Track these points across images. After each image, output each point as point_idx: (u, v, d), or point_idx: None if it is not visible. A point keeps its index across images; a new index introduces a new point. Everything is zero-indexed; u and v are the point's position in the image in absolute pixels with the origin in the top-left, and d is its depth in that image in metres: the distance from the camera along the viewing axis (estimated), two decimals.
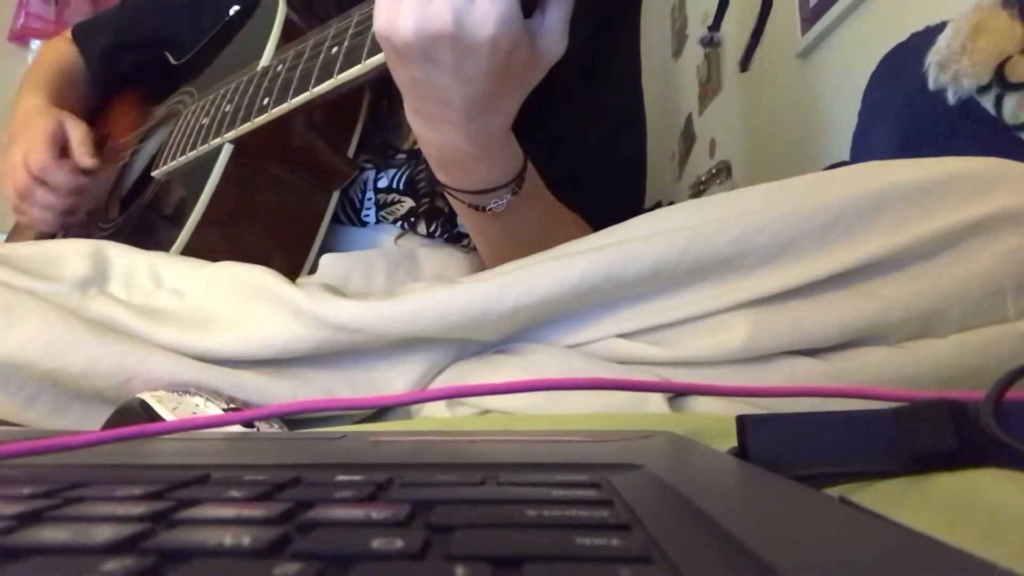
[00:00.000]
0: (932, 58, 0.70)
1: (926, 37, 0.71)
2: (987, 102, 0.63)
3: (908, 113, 0.74)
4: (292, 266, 0.66)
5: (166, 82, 0.86)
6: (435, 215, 0.69)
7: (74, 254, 0.51)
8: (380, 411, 0.47)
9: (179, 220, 0.64)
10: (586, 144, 0.70)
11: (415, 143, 0.70)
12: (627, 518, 0.14)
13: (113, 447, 0.25)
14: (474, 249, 0.70)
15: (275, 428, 0.42)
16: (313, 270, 0.66)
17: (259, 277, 0.48)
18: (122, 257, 0.52)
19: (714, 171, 1.45)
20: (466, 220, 0.59)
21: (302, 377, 0.46)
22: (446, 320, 0.43)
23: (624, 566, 0.11)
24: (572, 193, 0.63)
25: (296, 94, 0.59)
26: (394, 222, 0.70)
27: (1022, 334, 0.40)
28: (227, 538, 0.12)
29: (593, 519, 0.14)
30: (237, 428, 0.38)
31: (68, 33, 0.98)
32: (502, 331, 0.45)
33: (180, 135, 0.71)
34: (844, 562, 0.12)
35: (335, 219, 0.70)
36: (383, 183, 0.69)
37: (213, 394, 0.44)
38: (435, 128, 0.49)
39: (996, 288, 0.40)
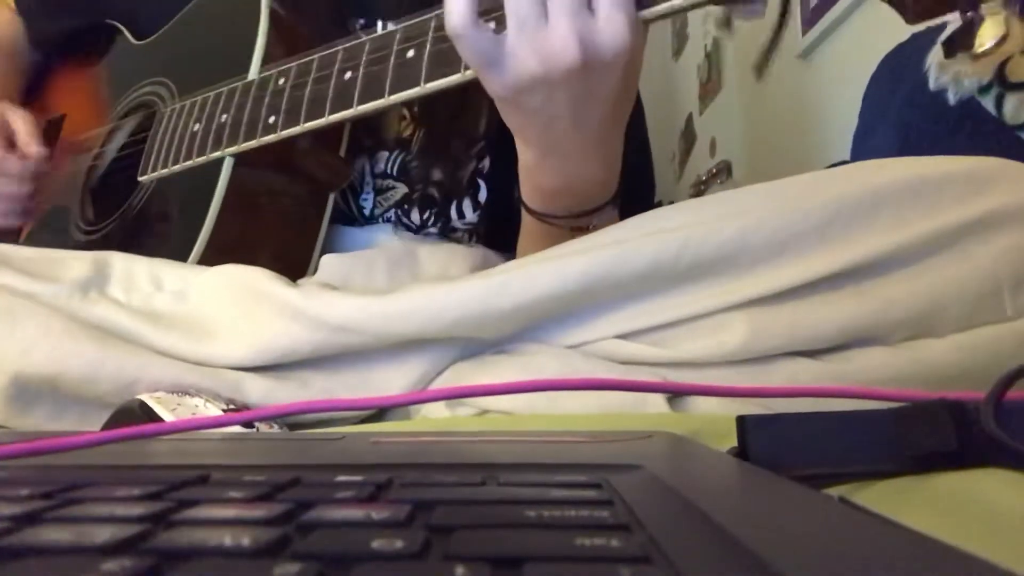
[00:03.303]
0: (932, 58, 0.70)
1: (926, 37, 0.71)
2: (988, 102, 0.63)
3: (909, 113, 0.74)
4: (296, 270, 0.66)
5: (128, 62, 0.83)
6: (428, 204, 0.68)
7: (75, 259, 0.51)
8: (380, 412, 0.47)
9: (186, 234, 0.63)
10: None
11: (400, 132, 0.69)
12: (627, 518, 0.14)
13: (113, 447, 0.25)
14: (472, 243, 0.70)
15: (275, 429, 0.42)
16: (314, 272, 0.66)
17: (258, 280, 0.48)
18: (122, 260, 0.52)
19: (714, 171, 1.45)
20: (543, 243, 0.56)
21: (301, 379, 0.46)
22: (444, 317, 0.43)
23: (624, 566, 0.11)
24: None
25: (310, 118, 0.58)
26: (388, 208, 0.69)
27: (1021, 333, 0.40)
28: (227, 538, 0.12)
29: (593, 519, 0.14)
30: (237, 429, 0.38)
31: (10, 1, 0.90)
32: (501, 330, 0.45)
33: (168, 139, 0.69)
34: (844, 562, 0.12)
35: (336, 209, 0.69)
36: (379, 168, 0.69)
37: (213, 395, 0.44)
38: (567, 164, 0.47)
39: (994, 287, 0.40)
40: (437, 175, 0.64)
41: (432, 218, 0.69)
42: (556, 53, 0.40)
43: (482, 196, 0.68)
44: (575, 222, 0.52)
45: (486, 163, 0.68)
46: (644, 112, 0.75)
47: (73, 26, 0.88)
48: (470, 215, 0.69)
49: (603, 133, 0.45)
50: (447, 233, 0.70)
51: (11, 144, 0.77)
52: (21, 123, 0.77)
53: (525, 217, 0.55)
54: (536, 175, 0.50)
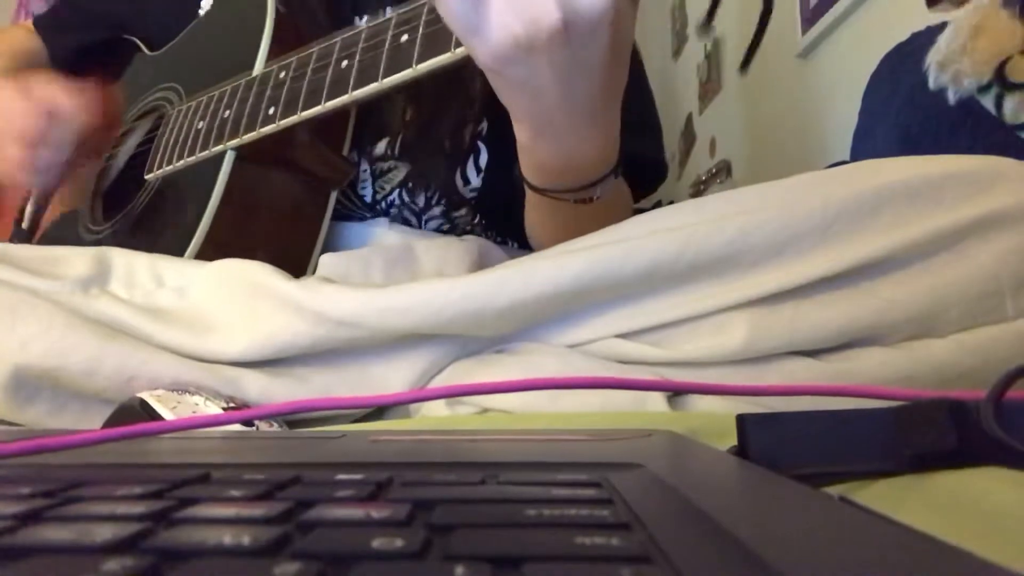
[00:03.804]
0: (932, 58, 0.69)
1: (926, 37, 0.71)
2: (987, 102, 0.63)
3: (908, 113, 0.74)
4: (295, 268, 0.66)
5: (142, 73, 0.84)
6: (432, 178, 0.68)
7: (76, 256, 0.52)
8: (379, 410, 0.47)
9: (185, 228, 0.63)
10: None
11: (403, 115, 0.69)
12: (627, 517, 0.14)
13: (113, 446, 0.25)
14: (471, 232, 0.70)
15: (275, 427, 0.42)
16: (314, 270, 0.66)
17: (259, 274, 0.48)
18: (123, 257, 0.52)
19: (714, 171, 1.45)
20: (551, 217, 0.55)
21: (301, 377, 0.46)
22: (444, 313, 0.43)
23: (624, 565, 0.11)
24: None
25: (307, 107, 0.58)
26: (390, 192, 0.69)
27: (1021, 333, 0.40)
28: (227, 537, 0.12)
29: (593, 518, 0.14)
30: (237, 427, 0.38)
31: (29, 22, 0.93)
32: (500, 327, 0.45)
33: (174, 137, 0.70)
34: (844, 562, 0.12)
35: (337, 203, 0.69)
36: (379, 151, 0.69)
37: (213, 393, 0.44)
38: (562, 142, 0.47)
39: (995, 288, 0.40)
40: (438, 145, 0.63)
41: (436, 195, 0.69)
42: (537, 15, 0.39)
43: (483, 160, 0.68)
44: (577, 195, 0.51)
45: (484, 125, 0.68)
46: (642, 61, 0.73)
47: (90, 42, 0.90)
48: (475, 180, 0.69)
49: (594, 109, 0.45)
50: (451, 211, 0.70)
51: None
52: (60, 94, 0.73)
53: (528, 192, 0.55)
54: (533, 153, 0.49)
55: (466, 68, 0.64)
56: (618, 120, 0.48)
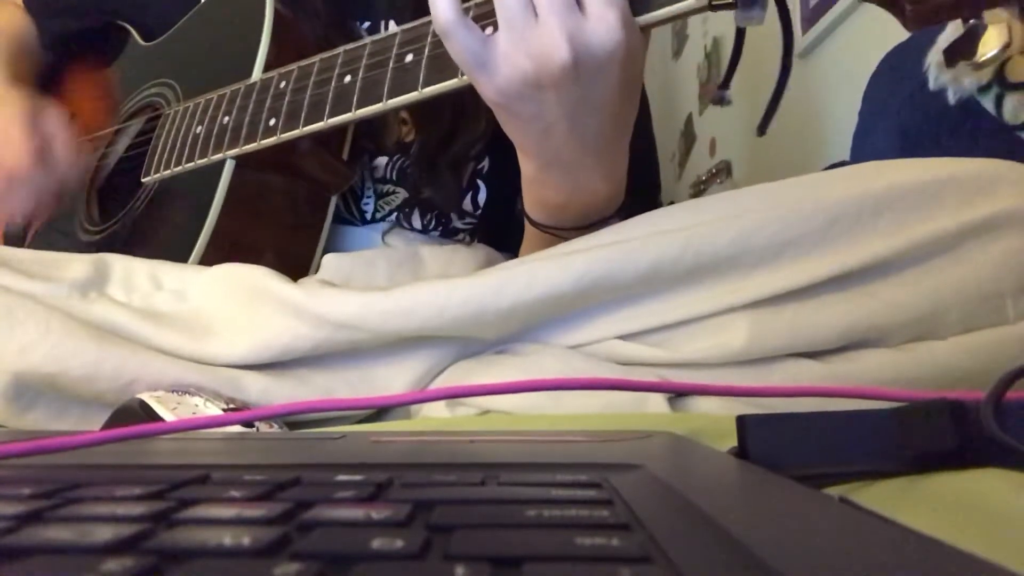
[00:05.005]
0: (932, 58, 0.69)
1: (926, 37, 0.71)
2: (987, 102, 0.63)
3: (908, 113, 0.74)
4: (298, 270, 0.66)
5: (136, 63, 0.83)
6: (428, 208, 0.69)
7: (74, 259, 0.51)
8: (380, 411, 0.47)
9: (187, 233, 0.63)
10: None
11: (402, 137, 0.69)
12: (627, 518, 0.14)
13: (113, 447, 0.25)
14: (474, 241, 0.70)
15: (275, 428, 0.42)
16: (316, 271, 0.66)
17: (258, 278, 0.48)
18: (121, 261, 0.52)
19: (714, 171, 1.45)
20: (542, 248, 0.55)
21: (302, 378, 0.46)
22: (444, 315, 0.42)
23: (624, 566, 0.11)
24: None
25: (309, 122, 0.58)
26: (390, 212, 0.70)
27: (1022, 336, 0.40)
28: (227, 538, 0.12)
29: (593, 519, 0.14)
30: (237, 428, 0.38)
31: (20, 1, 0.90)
32: (501, 329, 0.45)
33: (172, 141, 0.70)
34: (844, 562, 0.12)
35: (336, 212, 0.70)
36: (379, 173, 0.70)
37: (213, 394, 0.44)
38: (568, 177, 0.46)
39: (996, 290, 0.40)
40: (437, 180, 0.64)
41: (433, 221, 0.69)
42: (547, 52, 0.39)
43: (481, 197, 0.69)
44: (579, 234, 0.50)
45: (485, 163, 0.68)
46: (650, 112, 0.74)
47: (81, 27, 0.88)
48: (470, 216, 0.69)
49: (603, 144, 0.45)
50: (451, 234, 0.70)
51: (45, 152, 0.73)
52: (60, 137, 0.74)
53: (528, 227, 0.54)
54: (538, 188, 0.49)
55: (470, 106, 0.65)
56: (626, 157, 0.48)
